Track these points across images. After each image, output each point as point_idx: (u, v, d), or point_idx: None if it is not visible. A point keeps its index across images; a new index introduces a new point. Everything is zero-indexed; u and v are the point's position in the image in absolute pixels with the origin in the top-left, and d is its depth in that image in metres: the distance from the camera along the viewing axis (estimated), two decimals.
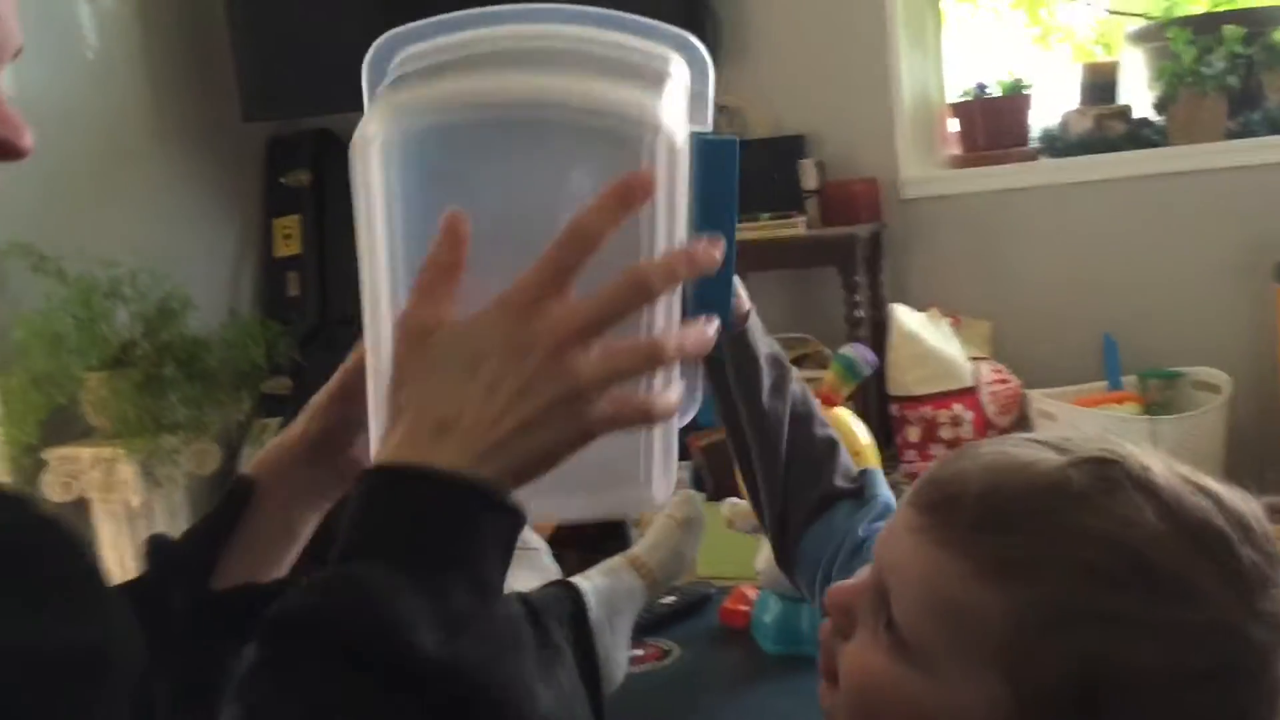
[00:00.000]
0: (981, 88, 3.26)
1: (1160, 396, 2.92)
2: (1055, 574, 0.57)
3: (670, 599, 1.58)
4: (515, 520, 0.58)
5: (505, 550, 0.58)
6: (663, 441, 0.69)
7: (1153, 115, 3.11)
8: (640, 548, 1.32)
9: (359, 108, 0.66)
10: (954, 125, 3.37)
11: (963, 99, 3.31)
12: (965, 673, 0.58)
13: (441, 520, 0.55)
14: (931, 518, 0.61)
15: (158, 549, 0.75)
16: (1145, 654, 0.56)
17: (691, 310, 0.65)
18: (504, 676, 0.54)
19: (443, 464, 0.57)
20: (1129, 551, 0.56)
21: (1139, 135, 3.10)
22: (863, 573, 0.67)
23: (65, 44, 2.89)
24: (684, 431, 2.90)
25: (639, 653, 1.39)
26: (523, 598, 1.16)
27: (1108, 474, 0.59)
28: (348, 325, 3.19)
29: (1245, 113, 2.99)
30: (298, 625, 0.52)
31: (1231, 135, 2.98)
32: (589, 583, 1.24)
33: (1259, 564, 0.58)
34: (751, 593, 1.51)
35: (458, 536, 0.55)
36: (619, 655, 1.20)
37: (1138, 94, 3.17)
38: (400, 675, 0.50)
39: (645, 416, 0.62)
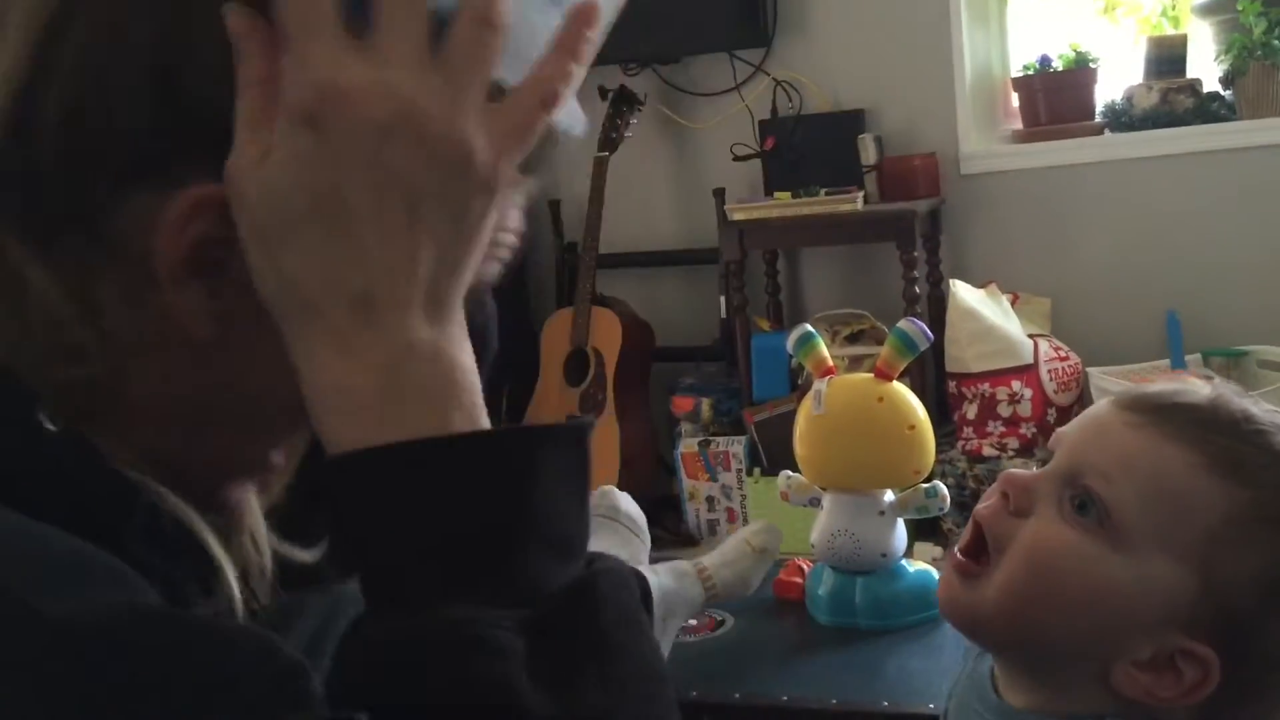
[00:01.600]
0: (1045, 61, 3.22)
1: (1225, 375, 2.88)
2: (1274, 479, 0.64)
3: None
4: (574, 440, 0.48)
5: (573, 485, 0.48)
6: None
7: (1221, 89, 3.05)
8: (711, 561, 1.33)
9: None
10: (1016, 99, 3.33)
11: (1025, 73, 3.27)
12: (1162, 555, 0.64)
13: (476, 501, 0.45)
14: (1159, 416, 0.67)
15: None
16: None
17: None
18: (635, 711, 0.46)
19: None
20: None
21: (1206, 109, 3.04)
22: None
23: None
24: (739, 406, 2.93)
25: (693, 622, 1.41)
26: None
27: None
28: None
29: None
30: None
31: None
32: (655, 578, 1.26)
33: None
34: (806, 565, 1.53)
35: (507, 510, 0.45)
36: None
37: (1205, 67, 3.11)
38: None
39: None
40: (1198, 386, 0.70)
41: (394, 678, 0.43)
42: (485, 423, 0.48)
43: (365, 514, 0.46)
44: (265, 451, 0.55)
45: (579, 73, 0.48)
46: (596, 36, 0.48)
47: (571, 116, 0.51)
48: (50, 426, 0.45)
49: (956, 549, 0.71)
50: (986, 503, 0.71)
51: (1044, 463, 0.71)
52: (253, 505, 0.56)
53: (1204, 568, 0.63)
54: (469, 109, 0.46)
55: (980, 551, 0.70)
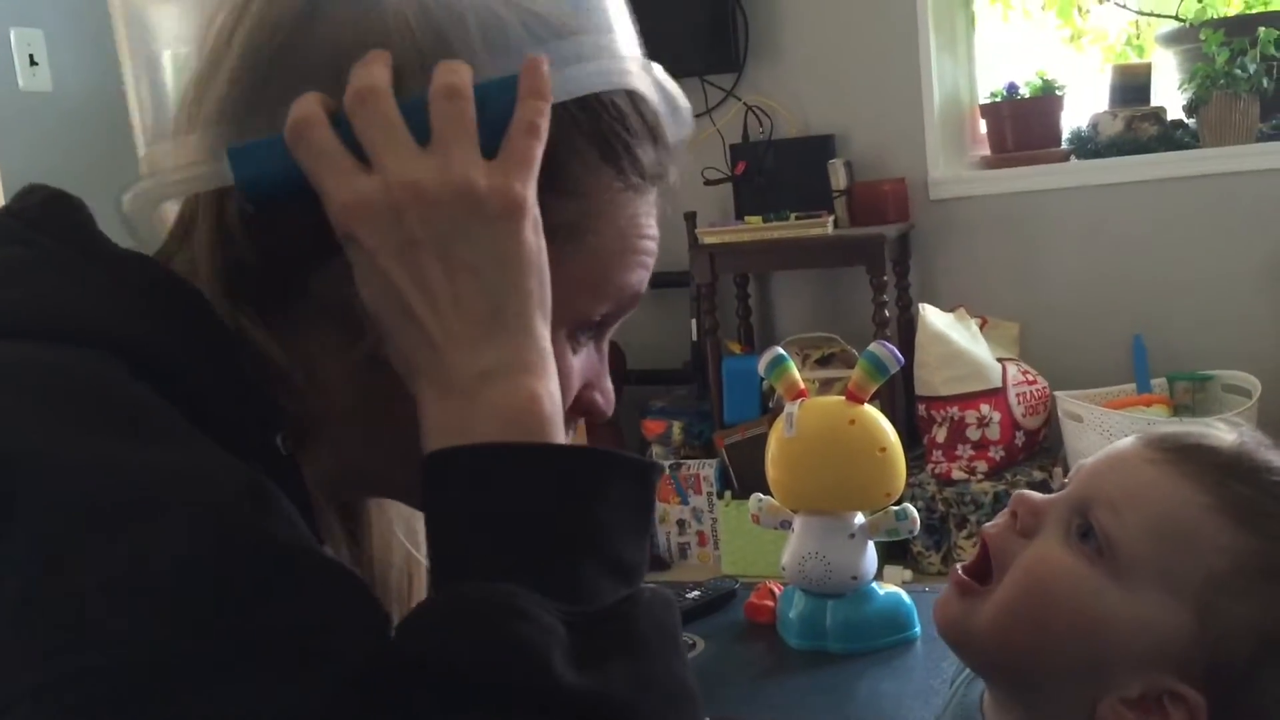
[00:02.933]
0: (1012, 89, 3.26)
1: (1189, 399, 2.91)
2: None
3: (695, 593, 1.59)
4: (644, 476, 0.53)
5: (637, 516, 0.52)
6: None
7: (1184, 117, 3.10)
8: None
9: None
10: (984, 126, 3.36)
11: (993, 100, 3.31)
12: (1161, 592, 0.63)
13: (550, 504, 0.50)
14: (1179, 455, 0.66)
15: None
16: None
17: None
18: (662, 715, 0.49)
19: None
20: None
21: (1171, 137, 3.09)
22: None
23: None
24: (710, 429, 2.93)
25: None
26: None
27: None
28: None
29: (1277, 115, 2.98)
30: (418, 669, 0.47)
31: (1264, 138, 2.97)
32: None
33: None
34: (777, 589, 1.52)
35: (572, 520, 0.50)
36: None
37: (1169, 96, 3.16)
38: (540, 709, 0.45)
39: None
40: (1224, 432, 0.69)
41: (439, 635, 0.47)
42: (559, 439, 0.53)
43: (446, 502, 0.51)
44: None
45: (546, 106, 0.54)
46: (548, 74, 0.54)
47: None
48: (283, 449, 0.55)
49: (959, 566, 0.70)
50: (997, 522, 0.70)
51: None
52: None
53: (1202, 612, 0.62)
54: (461, 163, 0.52)
55: (985, 572, 0.69)
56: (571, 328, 0.59)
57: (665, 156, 0.61)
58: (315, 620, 0.46)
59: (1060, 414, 2.95)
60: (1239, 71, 2.92)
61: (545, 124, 0.53)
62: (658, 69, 0.61)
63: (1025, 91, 3.25)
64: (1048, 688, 0.66)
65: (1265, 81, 2.95)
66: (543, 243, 0.54)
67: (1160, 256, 3.08)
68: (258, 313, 0.56)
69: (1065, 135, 3.24)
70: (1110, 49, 3.42)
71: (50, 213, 0.57)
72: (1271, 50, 2.91)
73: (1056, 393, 3.00)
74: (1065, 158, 3.21)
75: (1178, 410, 2.88)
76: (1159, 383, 3.00)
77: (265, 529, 0.47)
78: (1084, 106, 3.28)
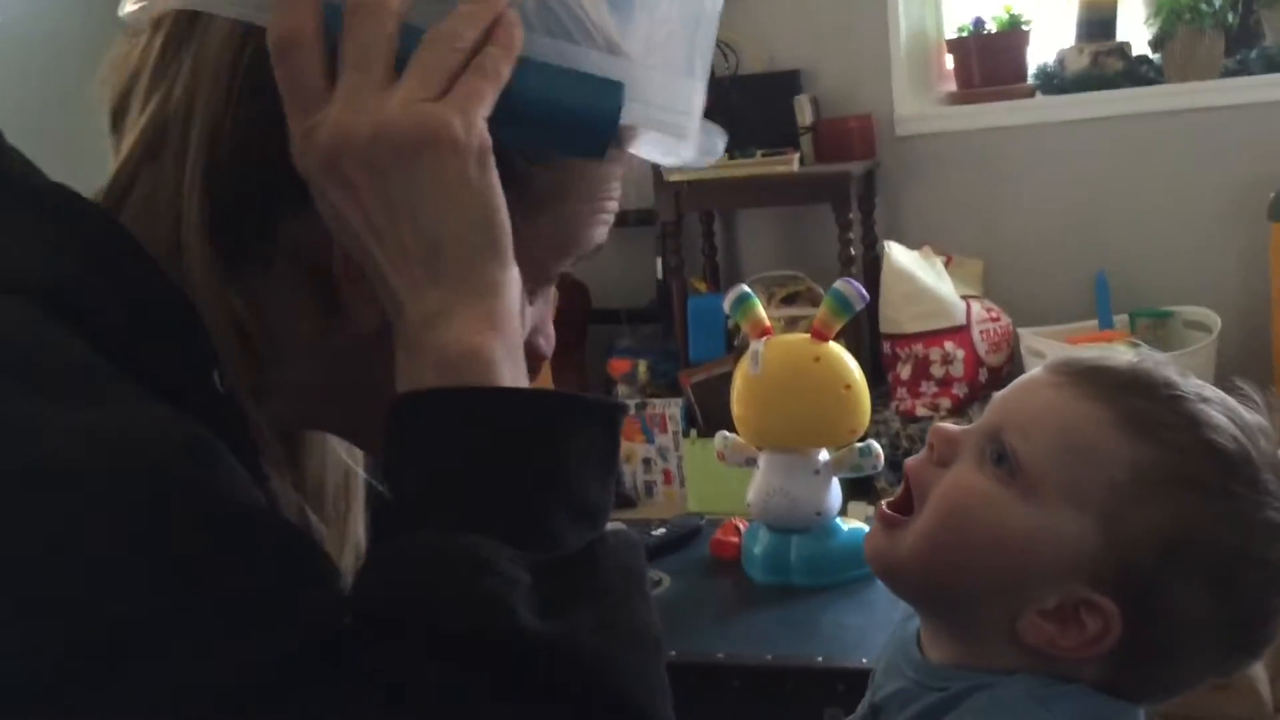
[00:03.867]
0: (979, 23, 3.24)
1: (1151, 335, 2.94)
2: (1181, 441, 0.66)
3: (661, 531, 1.60)
4: (608, 418, 0.52)
5: (603, 458, 0.52)
6: None
7: (1150, 53, 3.10)
8: None
9: None
10: (950, 61, 3.34)
11: (959, 35, 3.29)
12: (1069, 506, 0.66)
13: (508, 450, 0.49)
14: (1081, 376, 0.69)
15: None
16: (1222, 529, 0.65)
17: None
18: (628, 659, 0.48)
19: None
20: (1240, 443, 0.66)
21: (1136, 73, 3.09)
22: None
23: None
24: (676, 368, 2.93)
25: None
26: None
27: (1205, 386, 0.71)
28: None
29: (1242, 50, 2.98)
30: (382, 623, 0.46)
31: (1228, 73, 2.97)
32: None
33: None
34: (742, 525, 1.54)
35: (535, 466, 0.49)
36: None
37: (1135, 31, 3.15)
38: (507, 658, 0.45)
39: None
40: (1123, 353, 0.73)
41: (399, 589, 0.47)
42: (513, 381, 0.51)
43: (404, 450, 0.50)
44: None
45: (507, 54, 0.52)
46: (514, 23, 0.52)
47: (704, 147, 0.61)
48: (219, 386, 0.53)
49: (883, 502, 0.73)
50: (917, 456, 0.73)
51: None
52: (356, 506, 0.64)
53: (1107, 521, 0.65)
54: (400, 101, 0.50)
55: (909, 505, 0.71)
56: (534, 286, 0.59)
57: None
58: (263, 579, 0.45)
59: (1023, 350, 2.97)
60: (1204, 6, 2.91)
61: (503, 69, 0.51)
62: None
63: (992, 26, 3.23)
64: (970, 609, 0.69)
65: (1230, 16, 2.95)
66: (493, 178, 0.52)
67: (1123, 193, 3.09)
68: (219, 254, 0.54)
69: (1031, 71, 3.23)
70: None
71: None
72: None
73: (1020, 329, 3.02)
74: (1031, 93, 3.20)
75: (1132, 345, 2.90)
76: (1121, 319, 3.02)
77: (205, 486, 0.46)
78: (1050, 41, 3.27)
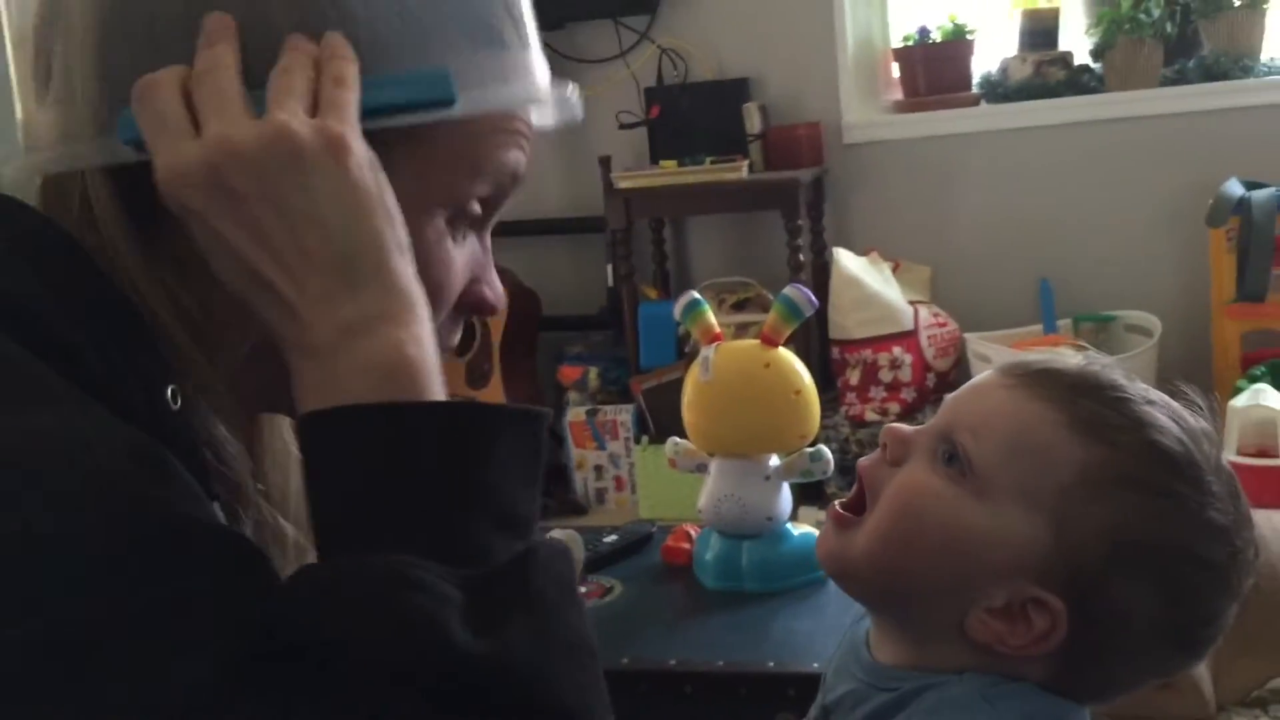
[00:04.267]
0: (924, 33, 3.28)
1: (1093, 339, 2.99)
2: (1129, 443, 0.67)
3: (613, 537, 1.59)
4: (530, 426, 0.52)
5: (526, 467, 0.51)
6: None
7: (1091, 62, 3.15)
8: None
9: None
10: (896, 70, 3.38)
11: (905, 44, 3.32)
12: (1019, 505, 0.67)
13: (430, 463, 0.48)
14: (1031, 379, 0.70)
15: None
16: (1167, 529, 0.66)
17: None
18: (564, 670, 0.48)
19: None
20: (1185, 445, 0.67)
21: (1077, 82, 3.13)
22: None
23: None
24: (626, 375, 2.93)
25: (582, 590, 1.41)
26: None
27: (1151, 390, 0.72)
28: None
29: (1181, 60, 3.04)
30: (313, 646, 0.45)
31: (1167, 82, 3.03)
32: None
33: (1234, 478, 0.69)
34: (693, 531, 1.54)
35: (457, 479, 0.49)
36: None
37: (1076, 40, 3.20)
38: (442, 676, 0.45)
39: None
40: (1072, 357, 0.74)
41: (331, 610, 0.46)
42: (438, 396, 0.51)
43: (324, 468, 0.50)
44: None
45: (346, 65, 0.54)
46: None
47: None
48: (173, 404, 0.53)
49: (836, 502, 0.73)
50: (870, 456, 0.73)
51: None
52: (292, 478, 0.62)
53: (1056, 520, 0.66)
54: (277, 116, 0.51)
55: (861, 505, 0.72)
56: (450, 213, 0.59)
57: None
58: (200, 591, 0.45)
59: (970, 355, 3.01)
60: (1143, 16, 2.97)
61: (350, 78, 0.53)
62: None
63: (937, 36, 3.27)
64: (920, 607, 0.70)
65: (1169, 27, 3.00)
66: (382, 179, 0.52)
67: (1066, 200, 3.14)
68: (161, 261, 0.55)
69: (976, 80, 3.27)
70: None
71: None
72: None
73: (966, 334, 3.05)
74: (976, 102, 3.24)
75: (1078, 349, 2.95)
76: (1064, 324, 3.07)
77: (148, 494, 0.45)
78: (994, 51, 3.31)
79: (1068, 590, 0.66)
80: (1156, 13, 2.96)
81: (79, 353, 0.49)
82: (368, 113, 0.54)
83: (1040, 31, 3.23)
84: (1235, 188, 2.72)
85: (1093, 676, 0.69)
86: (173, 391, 0.53)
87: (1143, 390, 0.70)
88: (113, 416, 0.47)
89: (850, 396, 3.05)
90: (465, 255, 0.61)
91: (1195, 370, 2.74)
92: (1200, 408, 0.71)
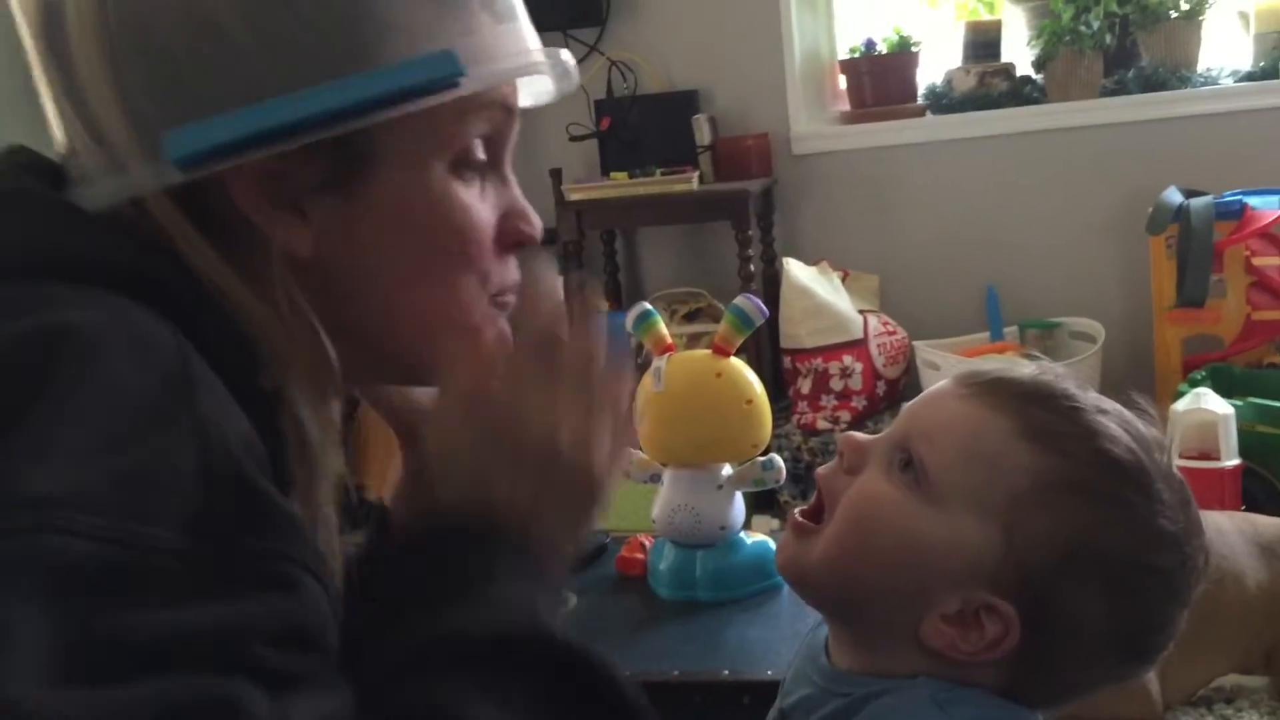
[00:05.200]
0: (870, 45, 3.31)
1: (1039, 346, 3.03)
2: (1080, 451, 0.68)
3: None
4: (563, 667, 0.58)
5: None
6: None
7: (1033, 73, 3.20)
8: None
9: None
10: (843, 82, 3.41)
11: (852, 56, 3.35)
12: (972, 513, 0.67)
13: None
14: (984, 388, 0.71)
15: None
16: (1117, 536, 0.67)
17: None
18: None
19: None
20: (1135, 454, 0.68)
21: (1020, 93, 3.18)
22: None
23: None
24: None
25: None
26: None
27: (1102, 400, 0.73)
28: None
29: (1120, 71, 3.09)
30: None
31: (1107, 93, 3.08)
32: None
33: (1184, 486, 0.70)
34: (647, 541, 1.54)
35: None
36: None
37: (1019, 52, 3.25)
38: None
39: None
40: (1025, 367, 0.75)
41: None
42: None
43: (404, 579, 0.58)
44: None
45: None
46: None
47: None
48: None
49: (796, 510, 0.74)
50: (828, 465, 0.74)
51: None
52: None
53: (1008, 528, 0.67)
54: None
55: (820, 513, 0.73)
56: (452, 159, 0.59)
57: None
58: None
59: (919, 363, 3.04)
60: (1083, 28, 3.02)
61: None
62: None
63: (883, 48, 3.31)
64: (876, 613, 0.70)
65: (1108, 38, 3.06)
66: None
67: (1011, 209, 3.18)
68: (223, 257, 0.56)
69: (921, 91, 3.31)
70: (963, 5, 3.49)
71: (25, 166, 0.58)
72: (1114, 7, 3.02)
73: (915, 342, 3.08)
74: (921, 113, 3.28)
75: (1028, 357, 2.98)
76: (1011, 331, 3.11)
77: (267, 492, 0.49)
78: (939, 62, 3.35)
79: (1020, 597, 0.67)
80: (1096, 25, 3.02)
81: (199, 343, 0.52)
82: (377, 105, 0.54)
83: (983, 43, 3.28)
84: (1174, 196, 2.77)
85: (1045, 682, 0.70)
86: (265, 377, 0.55)
87: (1095, 399, 0.71)
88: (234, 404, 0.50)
89: (802, 405, 3.07)
90: (489, 199, 0.62)
91: (1138, 375, 2.79)
92: (1152, 416, 0.72)
